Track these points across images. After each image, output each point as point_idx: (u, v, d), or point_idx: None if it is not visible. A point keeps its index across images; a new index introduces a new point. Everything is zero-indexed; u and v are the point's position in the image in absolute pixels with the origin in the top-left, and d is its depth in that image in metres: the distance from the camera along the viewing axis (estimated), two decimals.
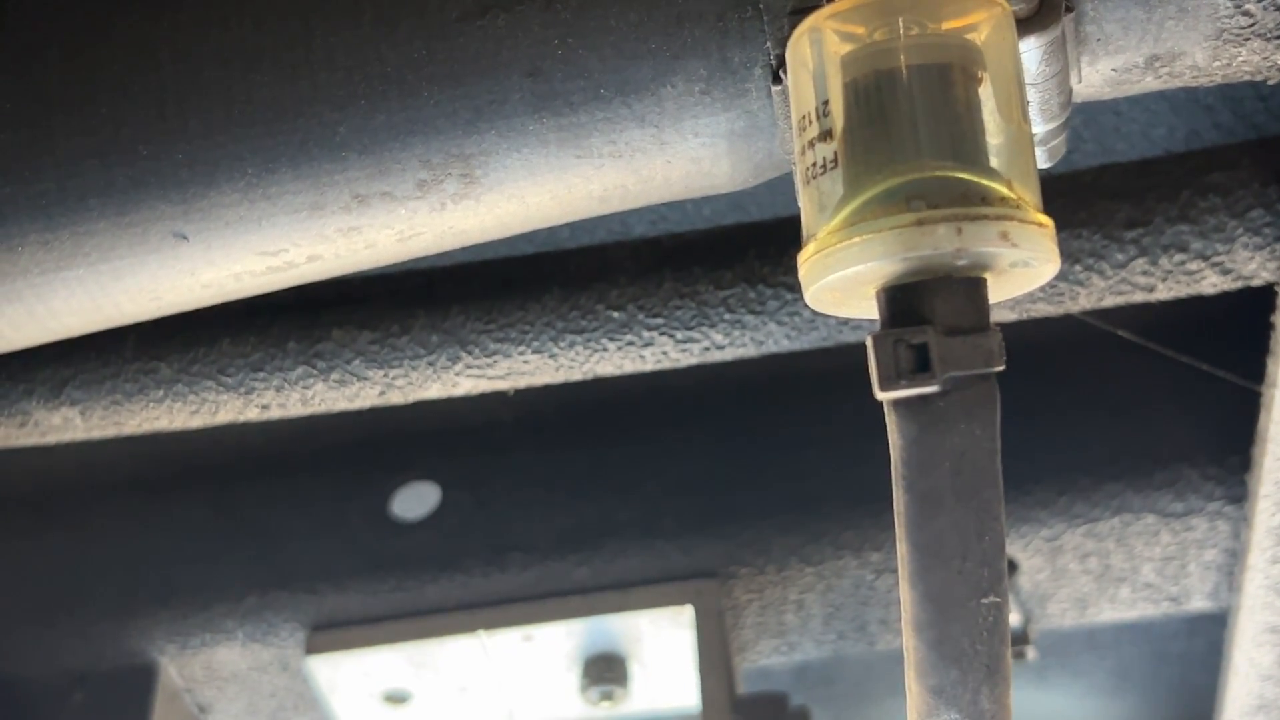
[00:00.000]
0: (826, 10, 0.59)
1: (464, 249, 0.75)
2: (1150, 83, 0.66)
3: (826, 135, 0.58)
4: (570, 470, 1.22)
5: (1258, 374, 0.97)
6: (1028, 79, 0.62)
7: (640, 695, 1.22)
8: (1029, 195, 0.56)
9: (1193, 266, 0.89)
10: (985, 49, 0.58)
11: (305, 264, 0.71)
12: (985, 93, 0.57)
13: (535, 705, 1.23)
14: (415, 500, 1.23)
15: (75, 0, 0.69)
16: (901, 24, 0.57)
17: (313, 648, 1.17)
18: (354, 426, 1.17)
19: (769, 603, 1.17)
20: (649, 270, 0.95)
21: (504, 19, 0.65)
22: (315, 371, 0.95)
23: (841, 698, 1.57)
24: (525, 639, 1.16)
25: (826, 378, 1.17)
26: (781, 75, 0.63)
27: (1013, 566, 1.15)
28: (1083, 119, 1.12)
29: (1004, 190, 0.55)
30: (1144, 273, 0.90)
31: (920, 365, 0.54)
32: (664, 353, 0.95)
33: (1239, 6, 0.63)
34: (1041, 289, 0.90)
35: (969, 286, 0.55)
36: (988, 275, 0.56)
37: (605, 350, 0.94)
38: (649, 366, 0.96)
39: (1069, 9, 0.61)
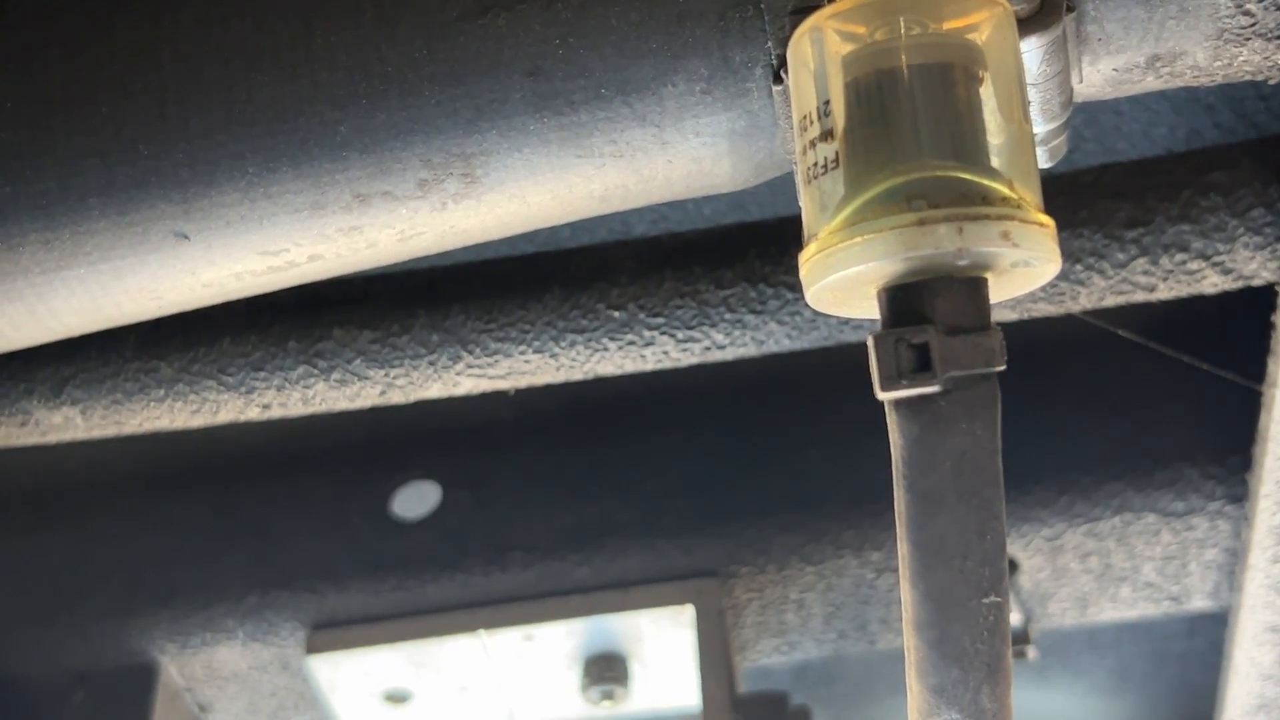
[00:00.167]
0: (828, 10, 0.59)
1: (465, 248, 0.75)
2: (1151, 82, 0.66)
3: (828, 135, 0.58)
4: (571, 469, 1.22)
5: (1258, 373, 0.97)
6: (1029, 79, 0.62)
7: (641, 694, 1.22)
8: (1030, 195, 0.56)
9: (1193, 266, 0.89)
10: (986, 49, 0.58)
11: (306, 263, 0.71)
12: (986, 92, 0.57)
13: (536, 705, 1.23)
14: (416, 499, 1.23)
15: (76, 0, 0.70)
16: (903, 24, 0.57)
17: (313, 647, 1.17)
18: (355, 426, 1.17)
19: (769, 602, 1.17)
20: (650, 270, 0.95)
21: (505, 18, 0.65)
22: (316, 371, 0.95)
23: (842, 697, 1.57)
24: (526, 638, 1.16)
25: (827, 377, 1.17)
26: (782, 75, 0.63)
27: (1013, 566, 1.15)
28: (1084, 118, 1.12)
29: (1005, 190, 0.55)
30: (1145, 272, 0.90)
31: (921, 365, 0.54)
32: (665, 352, 0.95)
33: (1240, 6, 0.63)
34: (1042, 288, 0.90)
35: (970, 286, 0.55)
36: (989, 275, 0.56)
37: (606, 350, 0.94)
38: (650, 366, 0.96)
39: (1070, 9, 0.61)
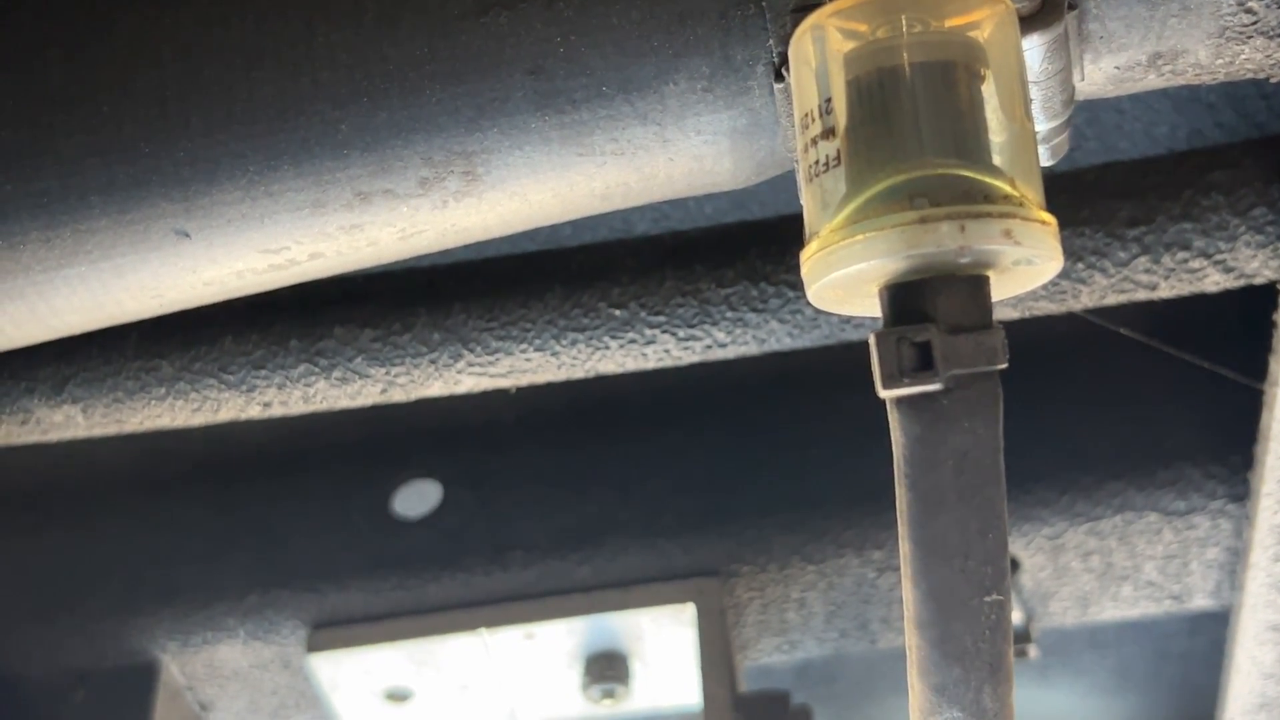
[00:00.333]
0: (829, 8, 0.59)
1: (466, 247, 0.75)
2: (1153, 80, 0.66)
3: (829, 133, 0.58)
4: (572, 468, 1.22)
5: (1260, 372, 0.97)
6: (1030, 77, 0.62)
7: (642, 693, 1.22)
8: (1032, 193, 0.56)
9: (1195, 264, 0.89)
10: (988, 46, 0.58)
11: (307, 262, 0.71)
12: (988, 90, 0.57)
13: (537, 703, 1.23)
14: (417, 498, 1.23)
15: None
16: (904, 21, 0.57)
17: (314, 645, 1.17)
18: (356, 424, 1.17)
19: (771, 601, 1.17)
20: (651, 268, 0.95)
21: (506, 17, 0.65)
22: (317, 369, 0.95)
23: (843, 696, 1.57)
24: (527, 637, 1.16)
25: (829, 376, 1.17)
26: (784, 73, 0.63)
27: (1015, 565, 1.15)
28: (1085, 117, 1.12)
29: (1007, 188, 0.55)
30: (1146, 271, 0.90)
31: (923, 363, 0.54)
32: (666, 351, 0.95)
33: (1242, 4, 0.63)
34: (1044, 287, 0.90)
35: (972, 284, 0.55)
36: (990, 273, 0.56)
37: (607, 348, 0.94)
38: (651, 365, 0.96)
39: (1072, 6, 0.61)
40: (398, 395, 0.97)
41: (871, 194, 0.55)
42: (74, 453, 1.11)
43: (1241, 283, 0.91)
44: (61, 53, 0.68)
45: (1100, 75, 0.65)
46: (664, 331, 0.94)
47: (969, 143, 0.56)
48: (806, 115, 0.59)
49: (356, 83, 0.66)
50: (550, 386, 0.99)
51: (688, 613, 1.14)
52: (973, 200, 0.54)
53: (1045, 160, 0.66)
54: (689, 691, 1.22)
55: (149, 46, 0.67)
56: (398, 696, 1.22)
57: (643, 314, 0.94)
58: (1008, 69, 0.58)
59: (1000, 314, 0.62)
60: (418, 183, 0.67)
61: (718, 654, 1.13)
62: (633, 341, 0.94)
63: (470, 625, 1.16)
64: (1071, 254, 0.89)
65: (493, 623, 1.16)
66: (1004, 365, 0.55)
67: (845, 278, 0.56)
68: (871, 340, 0.55)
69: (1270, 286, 0.92)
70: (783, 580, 1.16)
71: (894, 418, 0.56)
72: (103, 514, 1.26)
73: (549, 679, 1.21)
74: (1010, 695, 0.58)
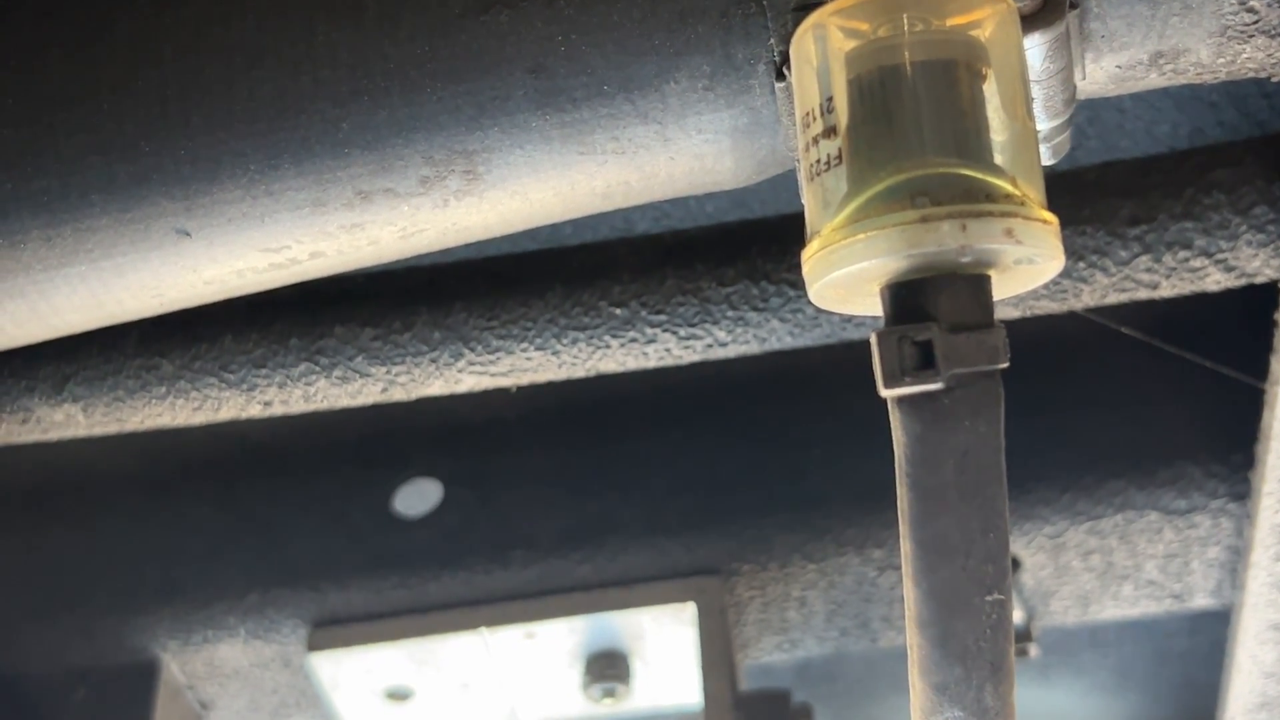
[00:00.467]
0: (830, 6, 0.59)
1: (467, 246, 0.74)
2: (1154, 79, 0.66)
3: (830, 132, 0.58)
4: (573, 467, 1.22)
5: (1261, 371, 0.97)
6: (1032, 76, 0.62)
7: (642, 692, 1.22)
8: (1033, 192, 0.56)
9: (1196, 263, 0.89)
10: (989, 45, 0.58)
11: (308, 260, 0.71)
12: (989, 89, 0.57)
13: (537, 702, 1.23)
14: (417, 497, 1.23)
15: None
16: (906, 20, 0.57)
17: (315, 644, 1.17)
18: (356, 423, 1.17)
19: (771, 600, 1.17)
20: (652, 267, 0.95)
21: (507, 15, 0.65)
22: (318, 368, 0.95)
23: (844, 695, 1.57)
24: (527, 636, 1.16)
25: (830, 375, 1.17)
26: (785, 72, 0.63)
27: (1016, 564, 1.15)
28: (1087, 116, 1.12)
29: (1008, 187, 0.55)
30: (1148, 270, 0.90)
31: (924, 362, 0.54)
32: (667, 350, 0.95)
33: (1243, 4, 0.63)
34: (1045, 286, 0.90)
35: (973, 283, 0.55)
36: (992, 272, 0.56)
37: (608, 347, 0.94)
38: (652, 363, 0.96)
39: (1073, 5, 0.61)
40: (398, 394, 0.97)
41: (873, 193, 0.55)
42: (75, 452, 1.11)
43: (1243, 282, 0.91)
44: (62, 51, 0.68)
45: (1102, 74, 0.65)
46: (665, 330, 0.94)
47: (970, 142, 0.56)
48: (808, 114, 0.59)
49: (357, 81, 0.66)
50: (551, 385, 0.99)
51: (688, 611, 1.14)
52: (974, 199, 0.54)
53: (1047, 159, 0.66)
54: (690, 690, 1.22)
55: (150, 45, 0.67)
56: (398, 695, 1.22)
57: (644, 313, 0.94)
58: (1009, 68, 0.58)
59: (1002, 313, 0.62)
60: (419, 181, 0.67)
61: (718, 653, 1.13)
62: (634, 340, 0.94)
63: (471, 624, 1.16)
64: (1073, 253, 0.89)
65: (493, 622, 1.16)
66: (1005, 364, 0.55)
67: (846, 277, 0.56)
68: (873, 339, 0.55)
69: (1271, 285, 0.92)
70: (783, 579, 1.16)
71: (895, 416, 0.56)
72: (103, 513, 1.26)
73: (550, 678, 1.21)
74: (1011, 694, 0.58)
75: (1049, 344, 1.09)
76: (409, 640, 1.16)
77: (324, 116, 0.66)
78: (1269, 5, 0.62)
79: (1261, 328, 0.96)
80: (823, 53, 0.59)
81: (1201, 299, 0.95)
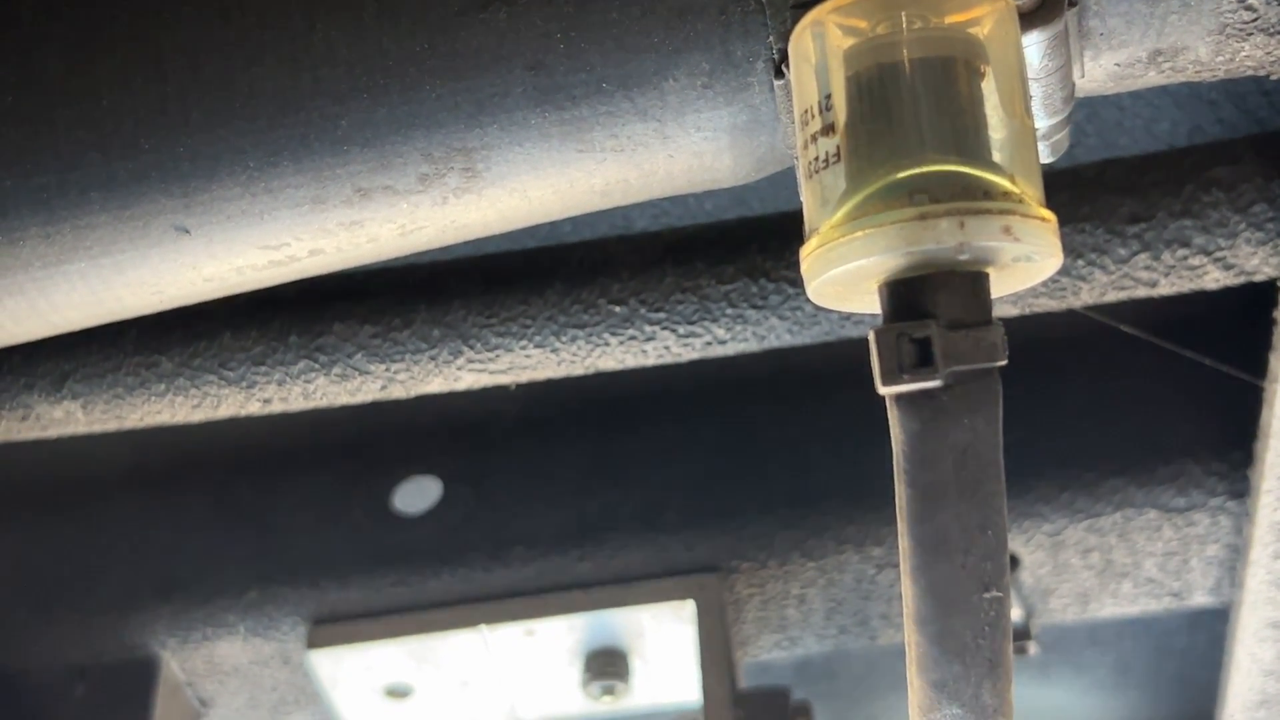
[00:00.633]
0: (829, 4, 0.59)
1: (466, 243, 0.74)
2: (1153, 77, 0.66)
3: (829, 129, 0.58)
4: (572, 465, 1.22)
5: (1260, 369, 0.97)
6: (1030, 73, 0.62)
7: (642, 690, 1.22)
8: (1032, 190, 0.56)
9: (1195, 261, 0.89)
10: (988, 43, 0.58)
11: (307, 258, 0.71)
12: (988, 87, 0.57)
13: (537, 700, 1.23)
14: (417, 494, 1.23)
15: None
16: (904, 18, 0.57)
17: (314, 642, 1.17)
18: (355, 421, 1.17)
19: (770, 597, 1.17)
20: (651, 265, 0.95)
21: (505, 12, 0.65)
22: (317, 365, 0.95)
23: (843, 692, 1.57)
24: (527, 633, 1.16)
25: (828, 372, 1.17)
26: (784, 69, 0.63)
27: (1015, 562, 1.15)
28: (1086, 114, 1.12)
29: (1007, 184, 0.55)
30: (1146, 267, 0.90)
31: (923, 359, 0.54)
32: (666, 347, 0.95)
33: (1242, 1, 0.63)
34: (1044, 284, 0.90)
35: (971, 281, 0.55)
36: (990, 270, 0.56)
37: (607, 345, 0.94)
38: (651, 361, 0.96)
39: (1072, 3, 0.61)
40: (397, 391, 0.97)
41: (871, 190, 0.55)
42: (74, 449, 1.11)
43: (1242, 280, 0.91)
44: (62, 48, 0.68)
45: (1100, 72, 0.65)
46: (664, 328, 0.94)
47: (969, 139, 0.56)
48: (806, 111, 0.59)
49: (356, 79, 0.66)
50: (550, 383, 1.00)
51: (688, 609, 1.14)
52: (972, 197, 0.54)
53: (1045, 157, 0.66)
54: (689, 688, 1.22)
55: (149, 42, 0.67)
56: (398, 693, 1.22)
57: (643, 310, 0.94)
58: (1008, 65, 0.58)
59: (1000, 311, 0.62)
60: (418, 179, 0.67)
61: (718, 650, 1.13)
62: (632, 338, 0.94)
63: (470, 622, 1.16)
64: (1071, 251, 0.89)
65: (493, 619, 1.16)
66: (1004, 362, 0.55)
67: (845, 274, 0.56)
68: (871, 336, 0.55)
69: (1270, 283, 0.92)
70: (783, 577, 1.16)
71: (893, 414, 0.56)
72: (103, 510, 1.26)
73: (549, 676, 1.21)
74: (1010, 692, 0.58)
75: (1048, 342, 1.09)
76: (408, 637, 1.16)
77: (323, 114, 0.66)
78: (1267, 3, 0.62)
79: (1260, 325, 0.96)
80: (821, 50, 0.59)
81: (1200, 297, 0.95)
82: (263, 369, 0.95)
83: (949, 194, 0.54)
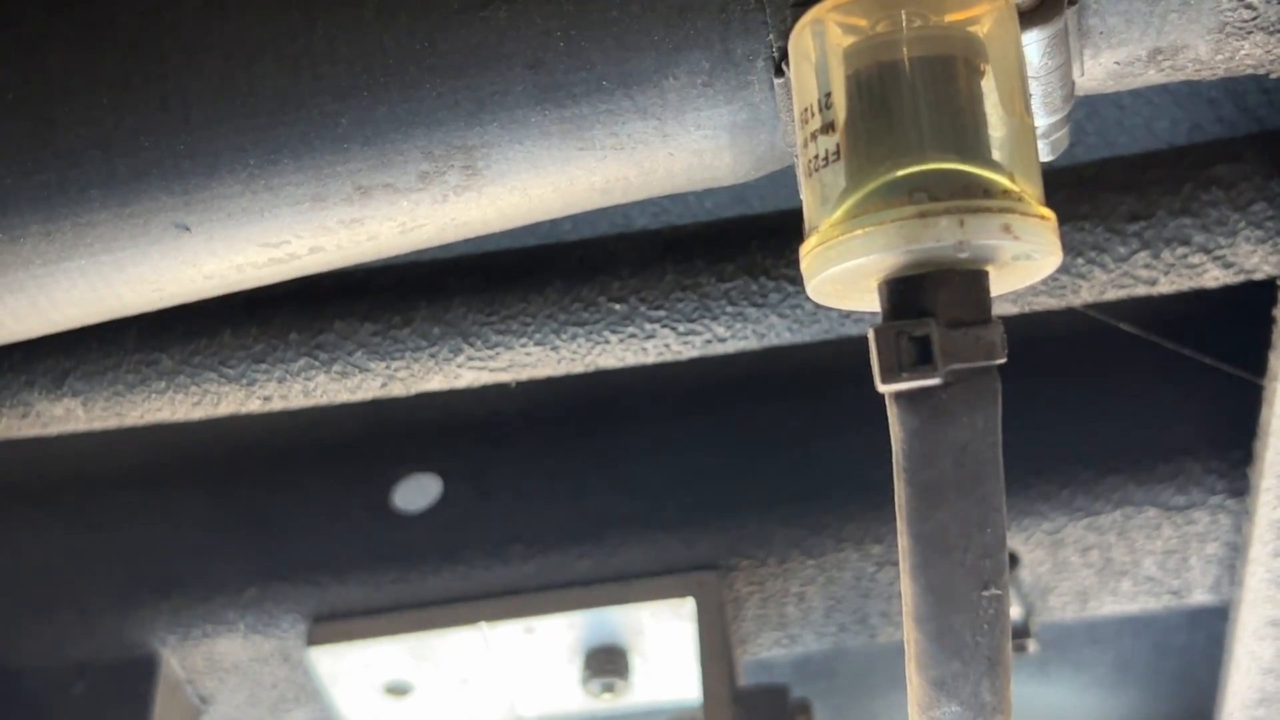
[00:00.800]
0: (829, 2, 0.59)
1: (466, 241, 0.75)
2: (1153, 76, 0.66)
3: (829, 128, 0.58)
4: (572, 462, 1.22)
5: (1260, 367, 0.97)
6: (1030, 72, 0.62)
7: (641, 687, 1.22)
8: (1031, 188, 0.56)
9: (1195, 260, 0.89)
10: (988, 41, 0.58)
11: (307, 255, 0.71)
12: (988, 85, 0.57)
13: (537, 697, 1.23)
14: (417, 492, 1.23)
15: None
16: (904, 16, 0.57)
17: (314, 639, 1.17)
18: (356, 418, 1.17)
19: (770, 595, 1.17)
20: (651, 263, 0.95)
21: (506, 10, 0.65)
22: (317, 363, 0.95)
23: (842, 690, 1.57)
24: (527, 631, 1.16)
25: (828, 371, 1.17)
26: (784, 68, 0.63)
27: (1014, 560, 1.15)
28: (1085, 112, 1.12)
29: (1006, 183, 0.55)
30: (1146, 266, 0.90)
31: (922, 357, 0.54)
32: (666, 345, 0.95)
33: (1241, 0, 0.63)
34: (1043, 282, 0.90)
35: (971, 279, 0.55)
36: (990, 268, 0.56)
37: (607, 342, 0.94)
38: (651, 359, 0.96)
39: (1071, 2, 0.61)
40: (397, 389, 0.97)
41: (871, 188, 0.55)
42: (75, 446, 1.11)
43: (1241, 278, 0.91)
44: (63, 46, 0.68)
45: (1100, 70, 0.65)
46: (664, 326, 0.94)
47: (968, 138, 0.56)
48: (806, 110, 0.59)
49: (356, 76, 0.66)
50: (550, 381, 1.00)
51: (687, 607, 1.14)
52: (972, 195, 0.54)
53: (1045, 155, 0.66)
54: (688, 686, 1.22)
55: (150, 40, 0.67)
56: (398, 690, 1.22)
57: (642, 308, 0.94)
58: (1007, 64, 0.58)
59: (999, 309, 0.62)
60: (418, 177, 0.67)
61: (717, 648, 1.13)
62: (632, 336, 0.94)
63: (470, 619, 1.16)
64: (1071, 249, 0.89)
65: (493, 616, 1.16)
66: (1003, 360, 0.55)
67: (844, 272, 0.56)
68: (870, 334, 0.55)
69: (1270, 282, 0.92)
70: (782, 574, 1.16)
71: (893, 412, 0.56)
72: (103, 507, 1.26)
73: (549, 673, 1.21)
74: (1009, 689, 0.58)
75: (1048, 340, 1.09)
76: (408, 635, 1.17)
77: (323, 112, 0.66)
78: (1267, 1, 0.62)
79: (1260, 324, 0.96)
80: (821, 48, 0.59)
81: (1200, 295, 0.95)
82: (263, 366, 0.95)
83: (949, 192, 0.54)
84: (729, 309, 0.93)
